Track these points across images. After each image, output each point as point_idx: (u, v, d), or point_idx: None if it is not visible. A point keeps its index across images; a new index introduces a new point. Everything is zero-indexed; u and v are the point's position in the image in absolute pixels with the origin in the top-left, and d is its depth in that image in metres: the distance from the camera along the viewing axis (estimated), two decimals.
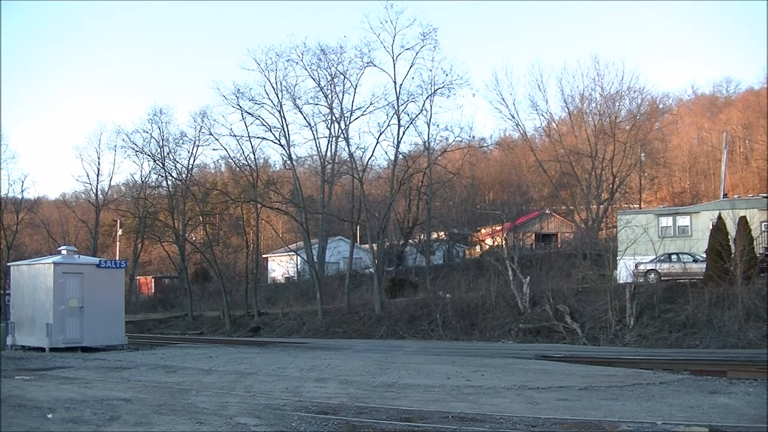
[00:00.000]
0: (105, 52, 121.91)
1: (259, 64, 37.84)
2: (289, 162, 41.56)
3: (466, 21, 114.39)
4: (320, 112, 39.85)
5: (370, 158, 44.60)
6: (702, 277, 25.01)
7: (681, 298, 24.07)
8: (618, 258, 28.90)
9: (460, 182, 49.90)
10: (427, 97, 38.49)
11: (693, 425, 8.99)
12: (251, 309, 37.96)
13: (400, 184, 39.13)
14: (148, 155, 44.76)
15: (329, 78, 38.07)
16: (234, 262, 50.59)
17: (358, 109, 38.87)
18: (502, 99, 46.59)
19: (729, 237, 24.24)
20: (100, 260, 24.72)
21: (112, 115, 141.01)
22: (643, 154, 46.13)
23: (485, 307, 28.28)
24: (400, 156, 40.03)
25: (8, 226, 49.74)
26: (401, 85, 37.40)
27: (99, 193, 56.40)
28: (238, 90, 37.69)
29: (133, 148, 45.14)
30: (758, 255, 25.03)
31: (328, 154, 43.67)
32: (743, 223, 24.00)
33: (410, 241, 48.06)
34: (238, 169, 44.10)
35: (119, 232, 59.18)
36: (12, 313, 22.71)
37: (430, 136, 44.07)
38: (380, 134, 38.41)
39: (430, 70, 38.29)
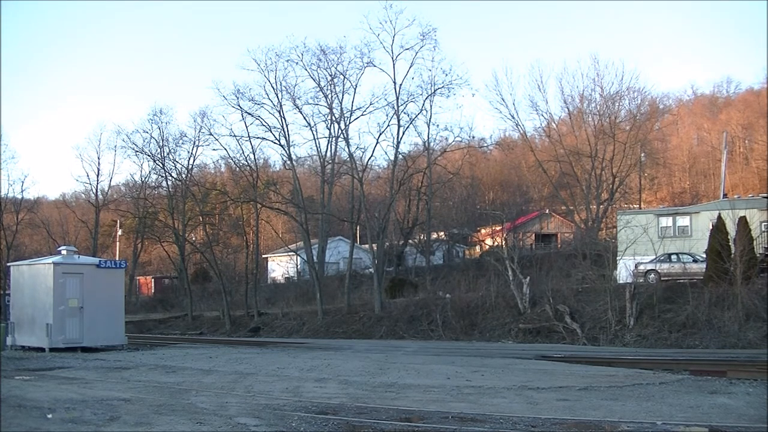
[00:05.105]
0: (105, 52, 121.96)
1: (258, 64, 37.89)
2: (289, 162, 41.56)
3: (466, 21, 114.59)
4: (320, 112, 39.86)
5: (370, 158, 44.59)
6: (702, 277, 25.02)
7: (681, 299, 24.08)
8: (618, 258, 28.90)
9: (460, 182, 49.86)
10: (426, 97, 38.54)
11: (693, 425, 8.98)
12: (251, 309, 37.96)
13: (400, 184, 39.09)
14: (148, 155, 44.76)
15: (329, 78, 38.07)
16: (234, 262, 50.57)
17: (358, 109, 38.89)
18: (502, 99, 46.68)
19: (729, 237, 24.25)
20: (100, 260, 24.71)
21: (112, 115, 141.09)
22: (643, 154, 46.15)
23: (485, 308, 28.28)
24: (400, 156, 40.05)
25: (8, 226, 49.74)
26: (401, 85, 37.48)
27: (99, 193, 56.33)
28: (238, 90, 37.81)
29: (133, 148, 45.16)
30: (758, 255, 25.03)
31: (328, 154, 43.68)
32: (743, 223, 24.00)
33: (410, 241, 48.02)
34: (238, 169, 44.13)
35: (119, 232, 59.18)
36: (12, 313, 22.71)
37: (430, 136, 44.22)
38: (380, 134, 38.44)
39: (430, 70, 38.43)
